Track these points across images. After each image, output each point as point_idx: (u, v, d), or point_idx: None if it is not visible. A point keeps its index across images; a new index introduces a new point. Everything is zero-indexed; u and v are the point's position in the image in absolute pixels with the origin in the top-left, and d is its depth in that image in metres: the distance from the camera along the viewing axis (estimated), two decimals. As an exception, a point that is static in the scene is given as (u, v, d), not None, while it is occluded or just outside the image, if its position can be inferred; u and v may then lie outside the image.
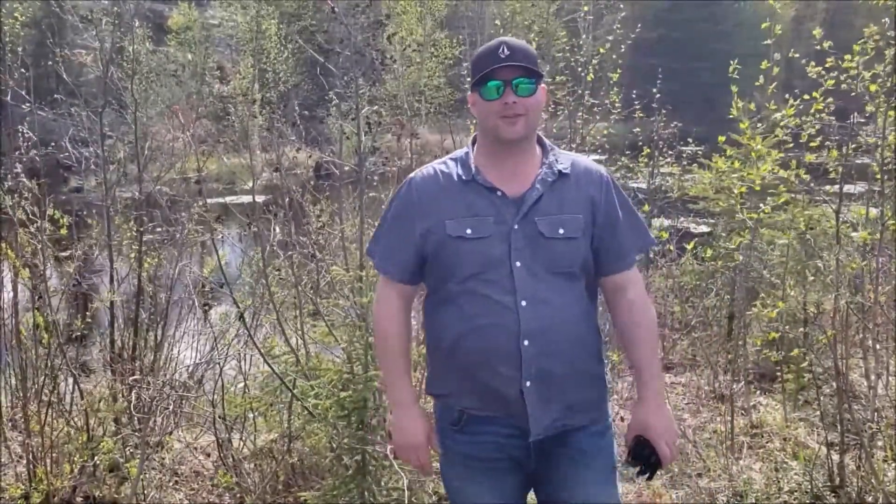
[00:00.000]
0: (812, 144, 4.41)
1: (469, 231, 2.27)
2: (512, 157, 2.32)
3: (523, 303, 2.21)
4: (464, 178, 2.34)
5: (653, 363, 2.37)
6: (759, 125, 4.56)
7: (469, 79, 2.35)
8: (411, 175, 2.47)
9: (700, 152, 6.66)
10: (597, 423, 2.38)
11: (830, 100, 4.23)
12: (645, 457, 2.31)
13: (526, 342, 2.20)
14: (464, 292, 2.28)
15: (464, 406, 2.37)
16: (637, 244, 2.43)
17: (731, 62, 4.78)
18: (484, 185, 2.30)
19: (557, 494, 2.38)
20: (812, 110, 4.34)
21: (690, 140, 8.50)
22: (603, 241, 2.34)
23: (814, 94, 4.26)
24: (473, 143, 2.44)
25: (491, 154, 2.35)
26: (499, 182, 2.30)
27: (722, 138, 4.83)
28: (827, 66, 4.18)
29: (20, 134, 4.87)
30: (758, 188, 4.64)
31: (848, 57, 4.07)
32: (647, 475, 2.35)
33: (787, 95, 4.52)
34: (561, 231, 2.26)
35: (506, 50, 2.23)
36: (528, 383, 2.23)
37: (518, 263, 2.24)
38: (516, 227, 2.26)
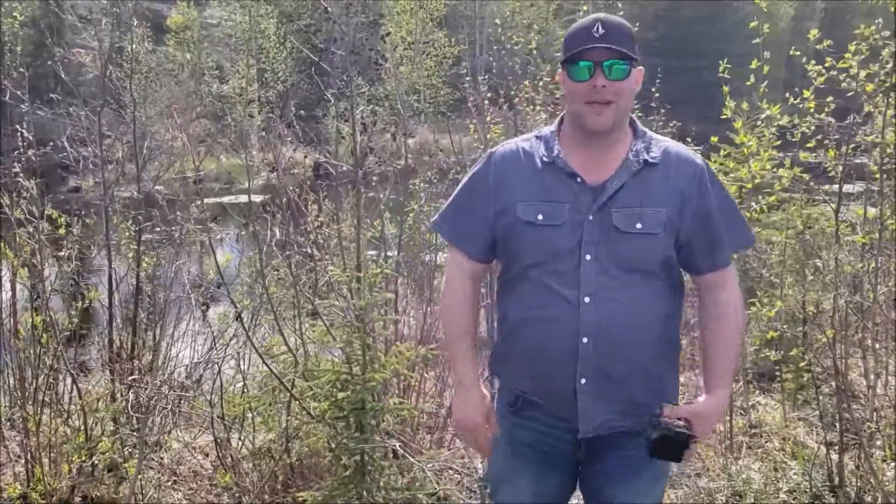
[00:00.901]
0: (809, 145, 4.41)
1: (540, 217, 2.16)
2: (597, 143, 2.18)
3: (586, 299, 2.10)
4: (545, 159, 2.21)
5: (725, 375, 2.25)
6: (758, 124, 4.56)
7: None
8: (492, 150, 2.37)
9: (698, 152, 6.64)
10: None
11: (830, 98, 4.23)
12: (674, 449, 2.12)
13: (585, 340, 2.10)
14: (527, 280, 2.20)
15: (520, 390, 2.30)
16: (734, 242, 2.26)
17: (721, 62, 4.77)
18: (564, 169, 2.18)
19: (602, 493, 2.33)
20: (812, 109, 4.33)
21: (689, 139, 8.49)
22: (694, 237, 2.17)
23: (804, 92, 4.25)
24: (561, 122, 2.31)
25: (575, 137, 2.22)
26: (580, 167, 2.17)
27: (714, 138, 4.82)
28: (825, 65, 4.18)
29: (19, 134, 4.86)
30: (749, 186, 4.63)
31: (848, 55, 4.06)
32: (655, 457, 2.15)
33: (787, 94, 4.52)
34: (638, 226, 2.12)
35: (600, 28, 2.08)
36: (583, 381, 2.14)
37: (588, 256, 2.12)
38: (591, 217, 2.13)
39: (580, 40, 2.10)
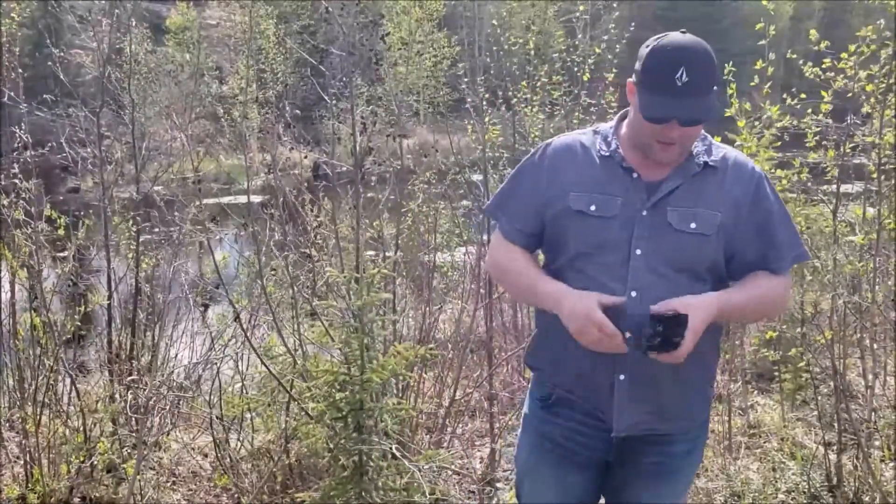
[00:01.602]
0: (808, 144, 4.41)
1: (593, 207, 2.13)
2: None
3: (633, 293, 2.06)
4: (602, 153, 2.19)
5: (733, 299, 2.10)
6: (756, 124, 4.56)
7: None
8: (550, 140, 2.34)
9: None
10: (688, 433, 2.25)
11: (828, 99, 4.23)
12: (666, 339, 1.98)
13: (628, 335, 2.03)
14: (572, 270, 2.17)
15: (555, 384, 2.28)
16: (790, 252, 2.18)
17: (726, 65, 4.77)
18: (621, 164, 2.16)
19: (628, 495, 2.31)
20: (810, 110, 4.34)
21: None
22: (748, 244, 2.15)
23: (822, 93, 4.25)
24: (622, 118, 2.27)
25: (633, 150, 2.18)
26: (638, 164, 2.15)
27: (718, 138, 4.82)
28: (824, 66, 4.18)
29: (17, 135, 4.86)
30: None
31: (845, 56, 4.07)
32: (653, 351, 2.02)
33: (784, 95, 4.52)
34: (693, 225, 2.09)
35: (685, 75, 1.96)
36: (621, 377, 2.12)
37: (638, 251, 2.09)
38: (645, 213, 2.11)
39: (660, 86, 2.00)
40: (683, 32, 2.08)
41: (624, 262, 2.09)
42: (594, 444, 2.25)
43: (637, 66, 2.09)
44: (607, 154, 2.19)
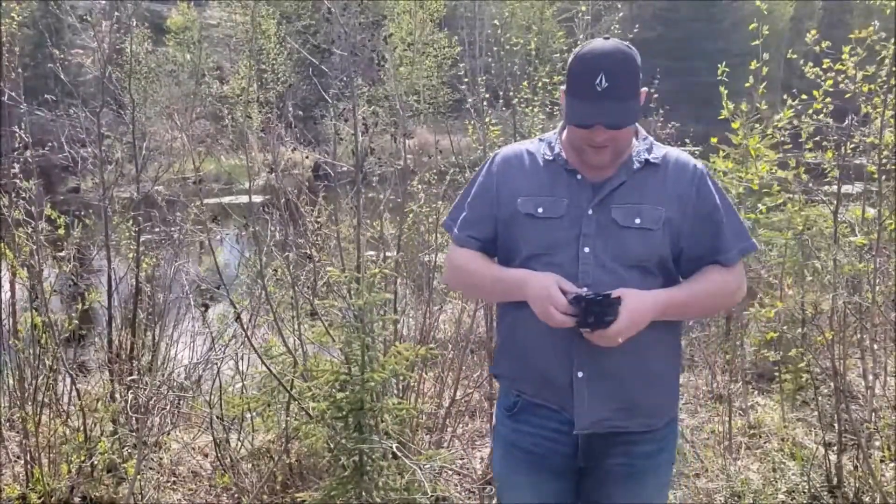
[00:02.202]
0: (808, 146, 4.42)
1: (540, 210, 2.20)
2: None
3: (584, 290, 2.10)
4: (546, 157, 2.27)
5: (680, 296, 2.17)
6: (756, 126, 4.56)
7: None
8: (497, 150, 2.43)
9: (697, 153, 6.66)
10: (656, 432, 2.28)
11: (828, 100, 4.24)
12: (599, 317, 2.03)
13: (574, 324, 2.08)
14: (531, 270, 2.20)
15: (519, 390, 2.32)
16: (738, 244, 2.24)
17: (719, 66, 4.78)
18: (564, 167, 2.23)
19: (597, 497, 2.32)
20: (810, 111, 4.34)
21: (688, 140, 8.50)
22: (696, 238, 2.20)
23: (814, 92, 4.26)
24: (564, 128, 2.33)
25: (575, 154, 2.25)
26: (581, 166, 2.22)
27: (714, 139, 4.83)
28: (824, 67, 4.19)
29: (17, 135, 4.86)
30: (755, 186, 4.64)
31: (845, 56, 4.07)
32: (587, 329, 2.07)
33: (784, 96, 4.52)
34: (637, 221, 2.15)
35: (604, 81, 2.03)
36: (580, 374, 2.16)
37: (586, 249, 2.15)
38: (590, 212, 2.17)
39: (582, 91, 2.08)
40: (606, 38, 2.15)
41: (574, 260, 2.16)
42: (561, 448, 2.28)
43: (566, 73, 2.17)
44: (551, 158, 2.26)
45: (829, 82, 4.10)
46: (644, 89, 2.18)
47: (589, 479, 2.33)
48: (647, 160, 2.21)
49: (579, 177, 2.21)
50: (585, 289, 2.10)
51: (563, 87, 2.22)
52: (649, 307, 2.07)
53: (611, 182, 2.18)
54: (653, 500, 2.33)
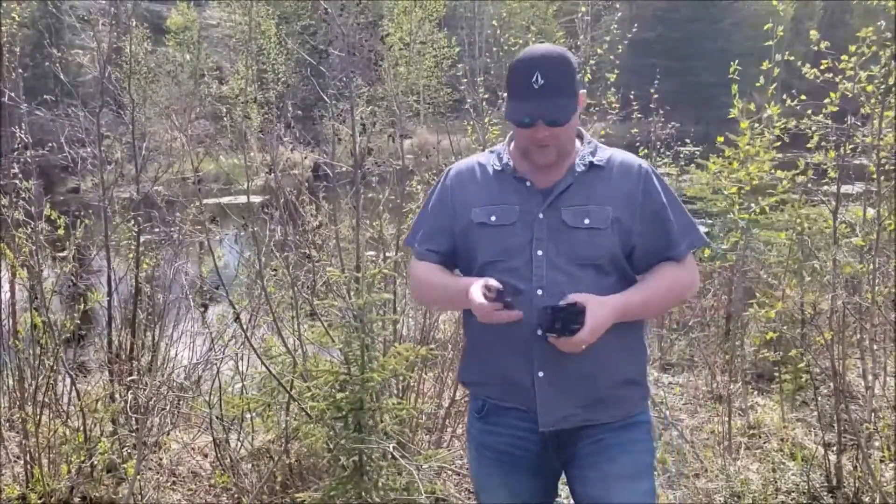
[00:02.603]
0: (808, 146, 4.42)
1: (493, 218, 2.28)
2: (544, 168, 2.29)
3: (539, 291, 2.19)
4: (496, 168, 2.35)
5: (637, 297, 2.22)
6: (756, 125, 4.56)
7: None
8: (451, 165, 2.52)
9: (697, 153, 6.68)
10: (627, 418, 2.31)
11: (828, 100, 4.24)
12: (565, 324, 2.10)
13: (539, 332, 2.15)
14: (488, 277, 2.24)
15: (486, 395, 2.38)
16: (687, 238, 2.30)
17: (732, 63, 4.78)
18: (514, 175, 2.31)
19: (581, 492, 2.32)
20: (809, 111, 4.34)
21: (688, 140, 8.51)
22: (644, 236, 2.26)
23: (801, 95, 4.27)
24: (512, 140, 2.41)
25: (523, 160, 2.33)
26: (530, 173, 2.29)
27: (720, 138, 4.84)
28: (823, 67, 4.19)
29: (17, 135, 4.86)
30: (749, 188, 4.64)
31: (845, 57, 4.07)
32: (553, 335, 2.12)
33: (784, 96, 4.53)
34: (586, 221, 2.21)
35: (539, 78, 2.13)
36: (540, 373, 2.21)
37: (539, 252, 2.21)
38: (541, 216, 2.24)
39: (520, 91, 2.18)
40: (542, 42, 2.26)
41: (528, 263, 2.23)
42: (532, 447, 2.32)
43: (506, 87, 2.26)
44: (500, 168, 2.35)
45: (842, 88, 4.08)
46: (583, 91, 2.27)
47: (569, 467, 2.35)
48: (591, 163, 2.28)
49: (528, 183, 2.28)
50: (539, 291, 2.18)
51: (505, 95, 2.33)
52: (609, 313, 2.13)
53: (558, 185, 2.26)
54: (633, 476, 2.30)
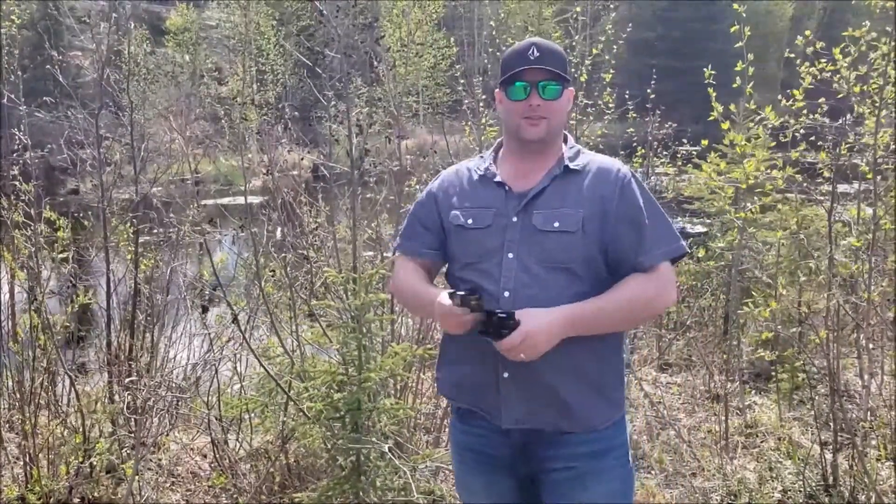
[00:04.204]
0: (801, 147, 4.43)
1: (470, 221, 2.33)
2: (531, 156, 2.33)
3: (506, 293, 2.21)
4: (479, 173, 2.40)
5: (587, 310, 2.17)
6: (751, 126, 4.58)
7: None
8: (441, 171, 2.60)
9: (695, 153, 6.69)
10: (599, 432, 2.27)
11: (822, 99, 4.25)
12: (496, 328, 2.11)
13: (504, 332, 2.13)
14: (460, 280, 2.34)
15: (452, 398, 2.44)
16: (662, 246, 2.26)
17: (705, 70, 4.83)
18: (493, 179, 2.36)
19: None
20: (802, 109, 4.35)
21: (685, 140, 8.52)
22: (619, 239, 2.23)
23: (794, 92, 4.28)
24: (499, 148, 2.49)
25: (512, 152, 2.39)
26: (510, 178, 2.34)
27: (705, 142, 4.85)
28: (817, 67, 4.20)
29: (16, 137, 4.88)
30: (744, 186, 4.65)
31: (839, 57, 4.09)
32: (488, 338, 2.14)
33: (779, 96, 4.54)
34: (556, 224, 2.22)
35: (535, 51, 2.25)
36: (505, 374, 2.23)
37: (510, 255, 2.24)
38: (515, 219, 2.27)
39: (517, 62, 2.27)
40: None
41: (498, 265, 2.26)
42: (501, 449, 2.34)
43: (499, 75, 2.35)
44: (482, 173, 2.40)
45: (808, 81, 4.10)
46: (571, 89, 2.34)
47: (537, 488, 2.35)
48: (566, 167, 2.31)
49: (507, 188, 2.32)
50: (506, 293, 2.22)
51: (497, 90, 2.39)
52: (553, 321, 2.11)
53: (533, 189, 2.29)
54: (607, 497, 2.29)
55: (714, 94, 4.69)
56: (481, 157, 2.50)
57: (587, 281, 2.23)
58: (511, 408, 2.25)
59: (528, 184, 2.31)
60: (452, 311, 2.13)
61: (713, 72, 4.76)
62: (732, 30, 4.60)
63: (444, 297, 2.17)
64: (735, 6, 4.68)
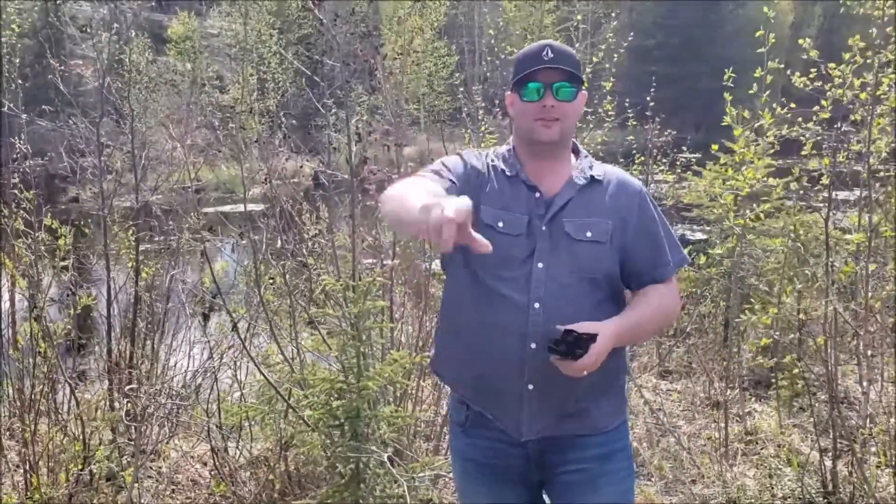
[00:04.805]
0: (802, 153, 4.44)
1: (501, 224, 2.24)
2: (546, 161, 2.30)
3: (536, 304, 2.17)
4: (508, 173, 2.32)
5: (631, 320, 2.21)
6: (750, 133, 4.59)
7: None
8: (460, 151, 2.48)
9: (694, 160, 6.70)
10: (607, 433, 2.31)
11: (817, 108, 4.26)
12: (571, 347, 2.08)
13: (533, 345, 2.15)
14: (482, 282, 2.25)
15: (464, 397, 2.36)
16: (675, 258, 2.33)
17: (726, 70, 4.81)
18: (526, 182, 2.29)
19: None
20: (812, 121, 4.36)
21: (685, 147, 8.54)
22: (636, 252, 2.27)
23: (799, 102, 4.29)
24: (513, 148, 2.42)
25: (525, 156, 2.33)
26: (539, 180, 2.29)
27: (715, 146, 4.86)
28: (813, 76, 4.22)
29: (17, 146, 4.90)
30: (745, 193, 4.66)
31: (832, 66, 4.10)
32: (557, 356, 2.09)
33: (774, 104, 4.55)
34: (588, 234, 2.22)
35: (549, 52, 2.22)
36: (530, 386, 2.20)
37: (540, 265, 2.20)
38: (544, 228, 2.23)
39: (531, 63, 2.23)
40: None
41: (527, 274, 2.20)
42: (514, 461, 2.33)
43: (511, 76, 2.31)
44: (513, 174, 2.32)
45: (832, 95, 4.11)
46: (584, 92, 2.31)
47: (549, 485, 2.36)
48: (591, 177, 2.29)
49: (538, 194, 2.27)
50: (536, 304, 2.17)
51: (508, 92, 2.35)
52: (609, 341, 2.11)
53: (560, 197, 2.26)
54: (615, 498, 2.32)
55: (724, 98, 4.68)
56: (496, 154, 2.39)
57: (606, 291, 2.25)
58: (535, 420, 2.23)
59: (551, 189, 2.27)
60: (456, 221, 1.65)
61: (733, 75, 4.75)
62: (758, 34, 4.59)
63: (457, 202, 1.66)
64: (764, 9, 4.69)
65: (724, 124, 4.83)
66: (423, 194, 1.88)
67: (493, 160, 2.38)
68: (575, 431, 2.28)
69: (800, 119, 4.40)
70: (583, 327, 2.09)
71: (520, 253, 2.22)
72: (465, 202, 1.69)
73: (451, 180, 2.26)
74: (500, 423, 2.28)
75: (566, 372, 2.10)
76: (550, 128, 2.23)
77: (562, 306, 2.16)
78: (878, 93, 4.07)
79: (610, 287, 2.26)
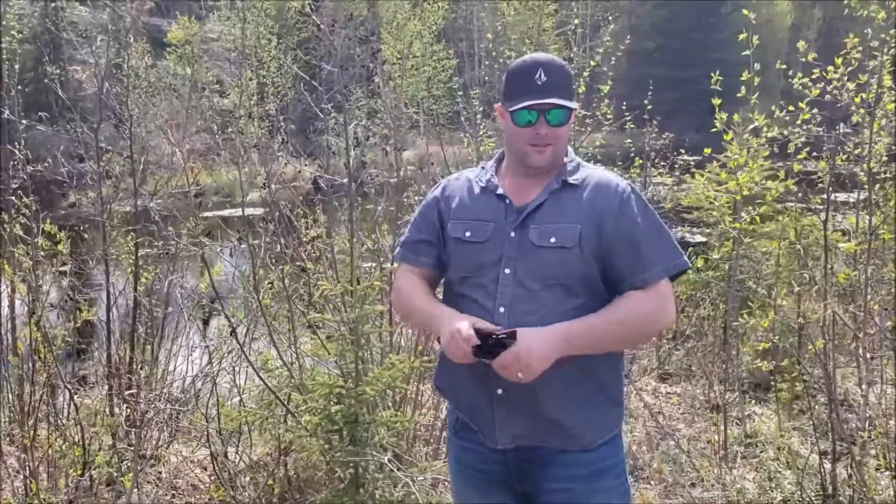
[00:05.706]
0: (800, 157, 4.44)
1: (468, 234, 2.29)
2: (535, 174, 2.29)
3: (501, 309, 2.19)
4: (481, 184, 2.37)
5: (582, 328, 2.14)
6: (745, 136, 4.60)
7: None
8: (444, 179, 2.55)
9: (692, 163, 6.71)
10: (591, 452, 2.26)
11: (816, 110, 4.27)
12: (492, 348, 2.09)
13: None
14: (457, 294, 2.32)
15: (455, 406, 2.42)
16: (662, 263, 2.22)
17: (713, 74, 4.83)
18: (494, 192, 2.32)
19: None
20: (798, 121, 4.37)
21: (684, 150, 8.53)
22: (616, 256, 2.19)
23: (798, 103, 4.30)
24: (501, 159, 2.45)
25: (514, 170, 2.34)
26: (511, 191, 2.30)
27: (707, 150, 4.87)
28: (813, 77, 4.22)
29: (16, 152, 4.90)
30: (739, 197, 4.66)
31: (830, 68, 4.10)
32: (484, 356, 2.11)
33: (772, 107, 4.56)
34: (552, 240, 2.18)
35: (542, 76, 2.18)
36: (499, 391, 2.20)
37: (507, 270, 2.21)
38: (513, 234, 2.23)
39: (523, 87, 2.20)
40: (535, 51, 2.27)
41: (495, 280, 2.23)
42: (495, 466, 2.33)
43: (502, 88, 2.30)
44: (484, 185, 2.36)
45: (815, 92, 4.13)
46: (576, 108, 2.27)
47: (534, 499, 2.33)
48: (564, 181, 2.27)
49: (508, 201, 2.29)
50: (502, 309, 2.20)
51: (498, 105, 2.34)
52: (540, 345, 2.08)
53: (532, 203, 2.26)
54: None
55: (719, 103, 4.69)
56: (482, 167, 2.45)
57: (584, 298, 2.20)
58: (504, 427, 2.24)
59: (528, 198, 2.27)
60: (469, 341, 2.08)
61: (720, 78, 4.76)
62: (741, 37, 4.60)
63: (463, 325, 2.10)
64: (744, 12, 4.70)
65: (713, 130, 4.83)
66: (429, 311, 2.31)
67: (472, 175, 2.44)
68: (557, 446, 2.24)
69: (798, 121, 4.40)
70: (513, 331, 2.09)
71: (489, 259, 2.25)
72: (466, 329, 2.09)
73: (425, 241, 2.42)
74: (477, 429, 2.31)
75: (504, 374, 2.10)
76: (543, 153, 2.24)
77: (529, 311, 2.17)
78: (876, 94, 4.08)
79: (590, 293, 2.21)
